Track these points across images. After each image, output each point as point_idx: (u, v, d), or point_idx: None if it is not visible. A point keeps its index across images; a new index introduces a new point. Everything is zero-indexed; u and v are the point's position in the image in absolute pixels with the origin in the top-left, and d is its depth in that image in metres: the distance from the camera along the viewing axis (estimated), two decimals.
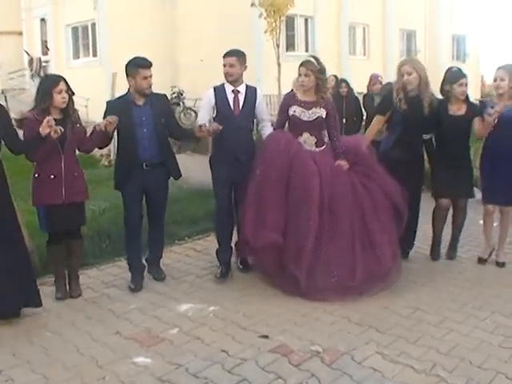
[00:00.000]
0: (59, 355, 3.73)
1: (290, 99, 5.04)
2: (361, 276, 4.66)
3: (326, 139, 5.14)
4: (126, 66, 4.87)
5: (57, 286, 4.77)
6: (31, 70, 20.85)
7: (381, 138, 5.72)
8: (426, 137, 5.59)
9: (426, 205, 5.70)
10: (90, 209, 6.20)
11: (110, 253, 5.79)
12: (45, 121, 4.17)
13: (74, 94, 4.60)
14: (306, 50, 19.29)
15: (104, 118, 4.81)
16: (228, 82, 5.17)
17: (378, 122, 5.55)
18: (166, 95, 5.37)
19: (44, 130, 4.17)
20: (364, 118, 8.64)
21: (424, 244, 5.80)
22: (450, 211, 5.69)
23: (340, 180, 4.87)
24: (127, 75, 4.87)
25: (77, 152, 4.75)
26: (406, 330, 4.06)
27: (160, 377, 3.44)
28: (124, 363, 3.61)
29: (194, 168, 8.22)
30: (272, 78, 13.74)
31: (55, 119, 4.42)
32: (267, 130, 5.32)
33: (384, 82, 8.51)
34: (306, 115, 4.94)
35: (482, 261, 5.55)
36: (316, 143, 5.00)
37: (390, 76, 9.62)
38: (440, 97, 5.50)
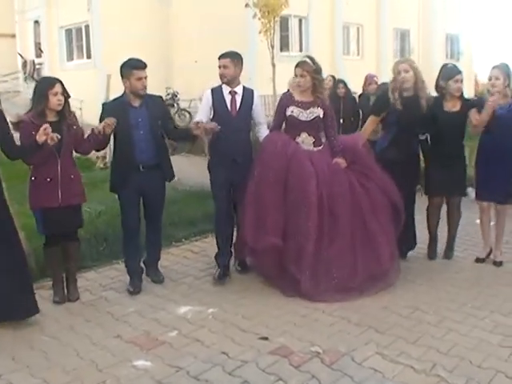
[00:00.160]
0: (59, 359, 3.71)
1: (287, 100, 5.04)
2: (361, 276, 4.67)
3: (324, 139, 5.15)
4: (121, 67, 4.86)
5: (54, 290, 4.76)
6: (25, 72, 20.81)
7: (376, 138, 5.74)
8: (421, 137, 5.60)
9: (423, 205, 5.72)
10: (87, 211, 6.17)
11: (107, 255, 5.77)
12: (41, 128, 4.16)
13: (70, 96, 4.58)
14: (300, 51, 19.31)
15: (100, 120, 4.80)
16: (223, 83, 5.18)
17: (372, 122, 5.56)
18: (161, 97, 5.38)
19: (40, 137, 4.16)
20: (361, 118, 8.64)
21: (421, 244, 5.80)
22: (445, 210, 5.71)
23: (338, 179, 4.88)
24: (122, 77, 4.86)
25: (74, 154, 4.74)
26: (405, 330, 4.07)
27: (160, 380, 3.43)
28: (124, 367, 3.60)
29: (190, 169, 8.24)
30: (266, 79, 13.74)
31: (51, 122, 4.42)
32: (263, 132, 5.32)
33: (379, 82, 8.53)
34: (304, 115, 4.94)
35: (480, 260, 5.56)
36: (314, 143, 5.01)
37: (383, 75, 9.65)
38: (434, 95, 5.51)
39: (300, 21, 19.58)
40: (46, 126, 4.19)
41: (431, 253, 5.73)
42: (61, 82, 4.49)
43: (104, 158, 10.23)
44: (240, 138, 5.15)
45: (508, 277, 5.19)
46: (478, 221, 5.75)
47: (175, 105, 16.47)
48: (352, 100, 8.62)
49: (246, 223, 4.83)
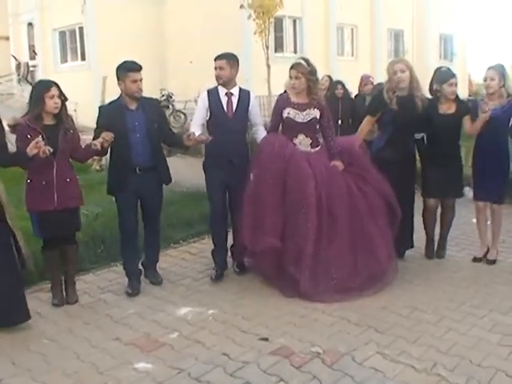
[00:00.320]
0: (59, 362, 3.70)
1: (283, 101, 5.04)
2: (360, 276, 4.69)
3: (321, 140, 5.16)
4: (117, 69, 4.86)
5: (53, 293, 4.75)
6: (18, 74, 20.78)
7: (372, 138, 5.75)
8: (417, 136, 5.62)
9: (420, 204, 5.72)
10: (84, 214, 6.15)
11: (106, 258, 5.76)
12: (33, 142, 4.10)
13: (67, 99, 4.57)
14: (295, 52, 19.35)
15: (97, 123, 4.80)
16: (219, 84, 5.19)
17: (367, 122, 5.57)
18: (157, 99, 5.39)
19: (31, 150, 4.10)
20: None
21: (418, 243, 5.80)
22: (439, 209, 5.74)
23: (336, 181, 4.89)
24: (118, 79, 4.86)
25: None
26: (405, 330, 4.08)
27: (162, 382, 3.43)
28: (125, 369, 3.59)
29: (186, 170, 8.23)
30: (261, 80, 13.75)
31: (48, 125, 4.40)
32: (261, 133, 5.32)
33: (374, 83, 8.54)
34: (301, 117, 4.95)
35: (477, 260, 5.58)
36: (311, 144, 5.01)
37: (378, 76, 9.68)
38: (429, 95, 5.53)
39: (294, 21, 19.62)
40: (39, 139, 4.12)
41: (429, 253, 5.75)
42: (57, 85, 4.46)
43: (100, 160, 10.18)
44: (236, 139, 5.16)
45: (505, 275, 5.21)
46: (475, 220, 5.78)
47: (170, 106, 16.48)
48: (350, 101, 8.63)
49: (244, 225, 4.83)
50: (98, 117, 4.86)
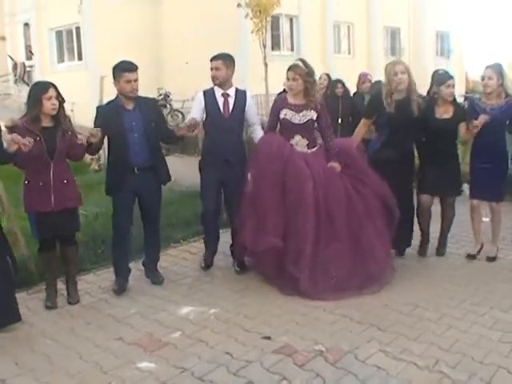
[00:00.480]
0: (62, 362, 3.71)
1: (281, 102, 5.04)
2: (359, 276, 4.71)
3: (319, 140, 5.16)
4: (113, 69, 4.86)
5: (47, 294, 4.74)
6: (15, 74, 20.65)
7: (370, 137, 5.76)
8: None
9: None
10: (83, 214, 6.16)
11: (106, 258, 5.73)
12: (8, 138, 4.03)
13: (64, 100, 4.55)
14: (292, 50, 19.37)
15: (95, 123, 4.80)
16: (215, 85, 5.19)
17: (363, 124, 5.59)
18: (155, 99, 5.38)
19: (10, 147, 4.03)
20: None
21: (417, 241, 5.82)
22: (438, 209, 5.73)
23: (333, 182, 4.90)
24: (114, 79, 4.87)
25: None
26: (406, 328, 4.09)
27: (165, 381, 3.44)
28: (128, 368, 3.60)
29: (184, 170, 8.20)
30: (258, 78, 13.75)
31: (46, 127, 4.39)
32: (258, 133, 5.34)
33: (372, 81, 8.54)
34: (297, 118, 4.95)
35: (470, 257, 5.60)
36: (308, 145, 5.02)
37: (375, 74, 9.67)
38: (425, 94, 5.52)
39: (291, 20, 19.62)
40: (14, 135, 4.04)
41: (422, 251, 5.75)
42: (54, 86, 4.44)
43: (98, 159, 10.18)
44: (233, 139, 5.19)
45: (505, 273, 5.23)
46: None
47: (167, 105, 16.46)
48: (350, 100, 8.63)
49: (245, 227, 4.85)
50: (96, 117, 4.86)
